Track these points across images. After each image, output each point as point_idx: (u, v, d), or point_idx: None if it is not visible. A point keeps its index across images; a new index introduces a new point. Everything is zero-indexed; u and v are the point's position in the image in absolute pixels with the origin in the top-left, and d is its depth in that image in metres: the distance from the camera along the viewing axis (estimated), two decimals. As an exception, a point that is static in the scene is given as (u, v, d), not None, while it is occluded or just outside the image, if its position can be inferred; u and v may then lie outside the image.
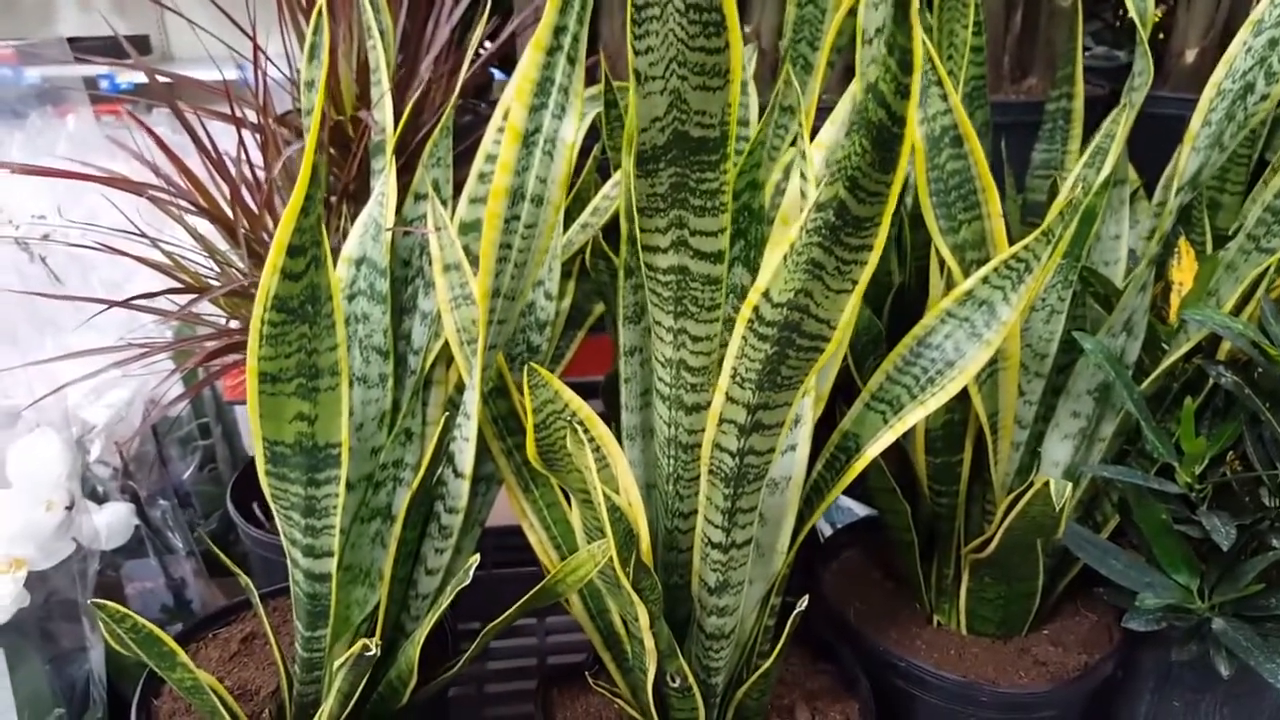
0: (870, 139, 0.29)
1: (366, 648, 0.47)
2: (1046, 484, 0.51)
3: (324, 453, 0.49)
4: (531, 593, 0.52)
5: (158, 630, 0.51)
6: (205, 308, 0.73)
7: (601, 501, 0.44)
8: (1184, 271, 0.63)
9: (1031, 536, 0.56)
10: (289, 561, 0.54)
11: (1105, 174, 0.55)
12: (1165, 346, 0.61)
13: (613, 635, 0.59)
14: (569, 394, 0.46)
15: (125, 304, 0.68)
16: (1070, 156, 0.73)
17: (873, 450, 0.51)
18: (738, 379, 0.40)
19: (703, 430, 0.46)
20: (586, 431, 0.46)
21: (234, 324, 0.74)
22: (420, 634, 0.54)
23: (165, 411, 0.99)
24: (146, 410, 0.96)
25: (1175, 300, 0.63)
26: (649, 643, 0.49)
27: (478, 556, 0.52)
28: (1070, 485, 0.51)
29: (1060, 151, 0.74)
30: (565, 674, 0.62)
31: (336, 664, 0.51)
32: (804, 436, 0.49)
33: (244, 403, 1.00)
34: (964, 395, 0.57)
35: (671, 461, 0.50)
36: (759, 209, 0.45)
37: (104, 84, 1.36)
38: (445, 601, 0.53)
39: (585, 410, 0.47)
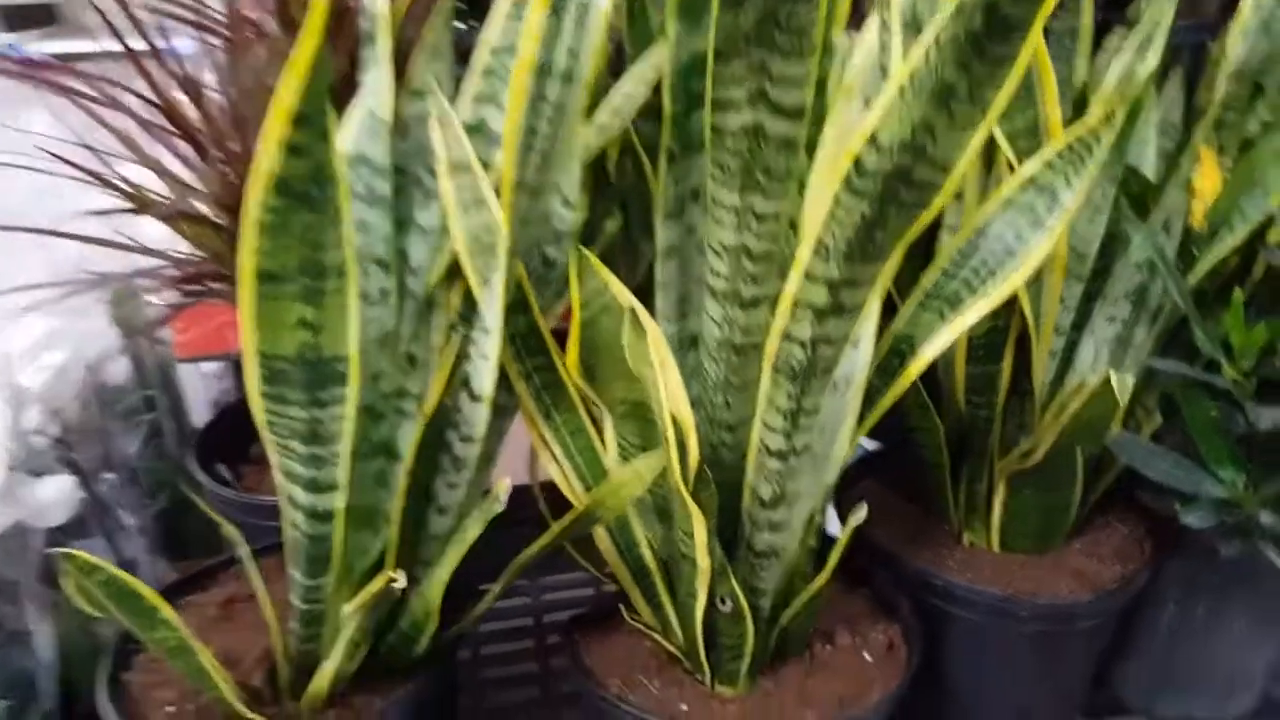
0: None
1: (392, 580, 0.42)
2: (1107, 379, 0.48)
3: (329, 367, 0.43)
4: (567, 518, 0.47)
5: (135, 582, 0.45)
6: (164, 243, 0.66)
7: (665, 399, 0.39)
8: (1206, 179, 0.61)
9: (1082, 439, 0.54)
10: (284, 502, 0.48)
11: (1154, 62, 0.53)
12: (1196, 252, 0.59)
13: (642, 571, 0.54)
14: (618, 285, 0.42)
15: (74, 236, 0.61)
16: (1077, 74, 0.71)
17: (930, 351, 0.48)
18: (822, 251, 0.36)
19: (761, 327, 0.42)
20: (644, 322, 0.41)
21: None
22: (442, 573, 0.48)
23: (107, 384, 0.91)
24: (88, 380, 0.88)
25: (1199, 207, 0.61)
26: (704, 562, 0.45)
27: (508, 481, 0.47)
28: (1132, 379, 0.48)
29: (1067, 70, 0.71)
30: (589, 617, 0.58)
31: (349, 608, 0.46)
32: (868, 332, 0.45)
33: (199, 359, 0.92)
34: (1008, 300, 0.55)
35: (722, 367, 0.45)
36: (824, 79, 0.41)
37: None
38: (470, 535, 0.47)
39: (638, 305, 0.42)
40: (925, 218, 0.34)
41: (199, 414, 1.00)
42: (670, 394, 0.43)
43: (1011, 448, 0.59)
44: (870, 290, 0.37)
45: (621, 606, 0.55)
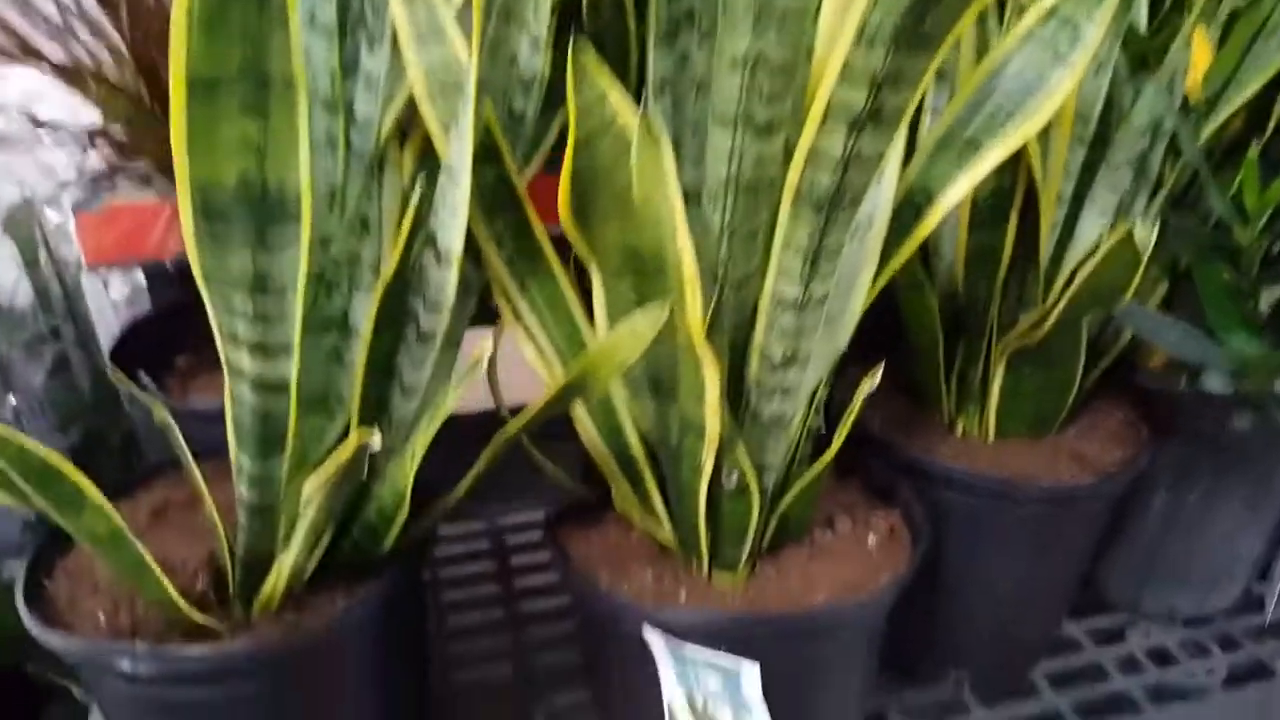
0: None
1: (367, 440, 0.36)
2: (1125, 237, 0.45)
3: (277, 199, 0.37)
4: (558, 386, 0.42)
5: (57, 458, 0.38)
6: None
7: (679, 226, 0.34)
8: (1197, 50, 0.59)
9: (1096, 303, 0.51)
10: (228, 374, 0.42)
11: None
12: (1196, 114, 0.56)
13: (627, 458, 0.50)
14: (620, 94, 0.36)
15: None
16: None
17: (949, 199, 0.44)
18: (866, 36, 0.31)
19: (773, 158, 0.38)
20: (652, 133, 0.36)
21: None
22: (417, 448, 0.43)
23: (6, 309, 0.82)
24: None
25: (1193, 77, 0.58)
26: (713, 425, 0.41)
27: (490, 343, 0.41)
28: (1154, 229, 0.45)
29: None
30: (569, 513, 0.53)
31: (311, 486, 0.40)
32: (892, 166, 0.41)
33: (109, 265, 0.83)
34: (1012, 161, 0.51)
35: (728, 213, 0.40)
36: None
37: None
38: (451, 400, 0.42)
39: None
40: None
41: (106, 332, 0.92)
42: (677, 226, 0.38)
43: (1010, 326, 0.56)
44: (915, 91, 0.33)
45: (614, 491, 0.50)
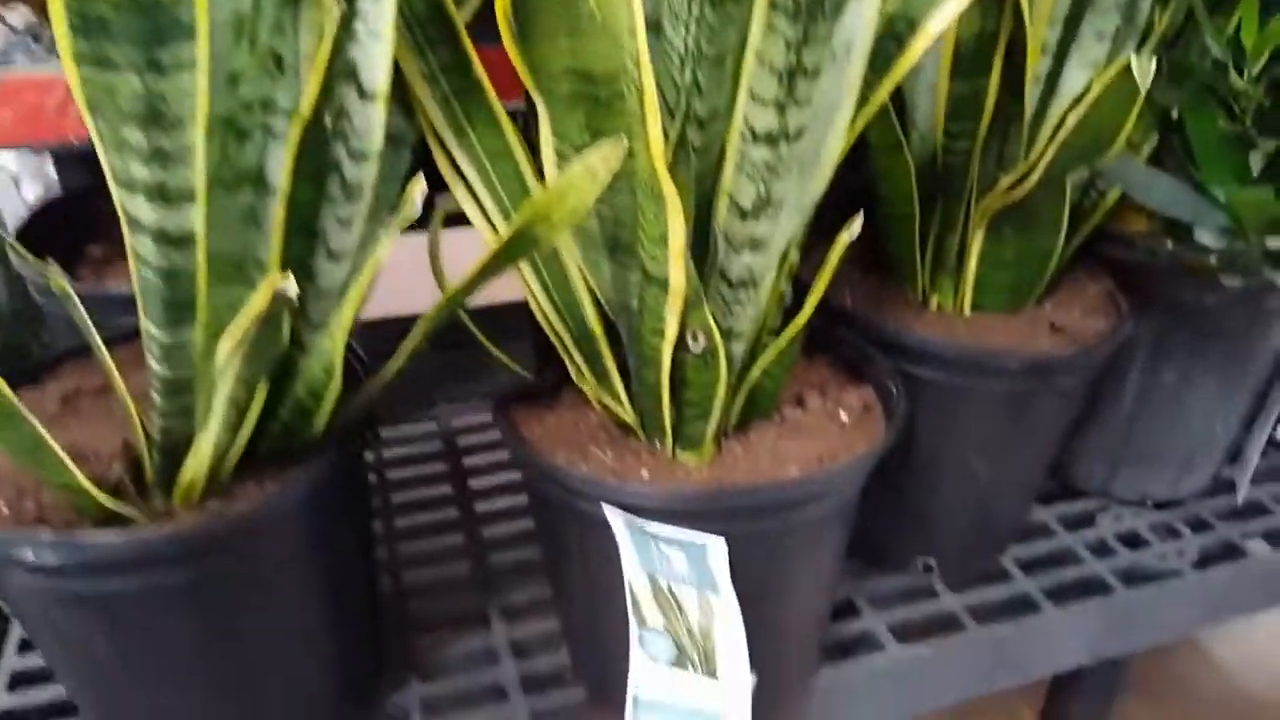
0: None
1: (281, 287, 0.31)
2: (1127, 64, 0.41)
3: (169, 13, 0.31)
4: (506, 236, 0.37)
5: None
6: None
7: (641, 43, 0.29)
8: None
9: (1088, 153, 0.47)
10: (127, 227, 0.37)
11: None
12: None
13: (585, 334, 0.46)
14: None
15: None
16: None
17: (935, 24, 0.39)
18: None
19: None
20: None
21: None
22: (347, 314, 0.38)
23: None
24: None
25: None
26: (677, 279, 0.37)
27: (420, 179, 0.36)
28: (1153, 60, 0.41)
29: None
30: (520, 394, 0.49)
31: (225, 346, 0.35)
32: (872, -17, 0.36)
33: (13, 146, 0.76)
34: (998, 1, 0.47)
35: (688, 36, 0.36)
36: None
37: None
38: (383, 250, 0.37)
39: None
40: None
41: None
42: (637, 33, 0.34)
43: (991, 187, 0.52)
44: None
45: (571, 368, 0.46)
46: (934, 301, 0.58)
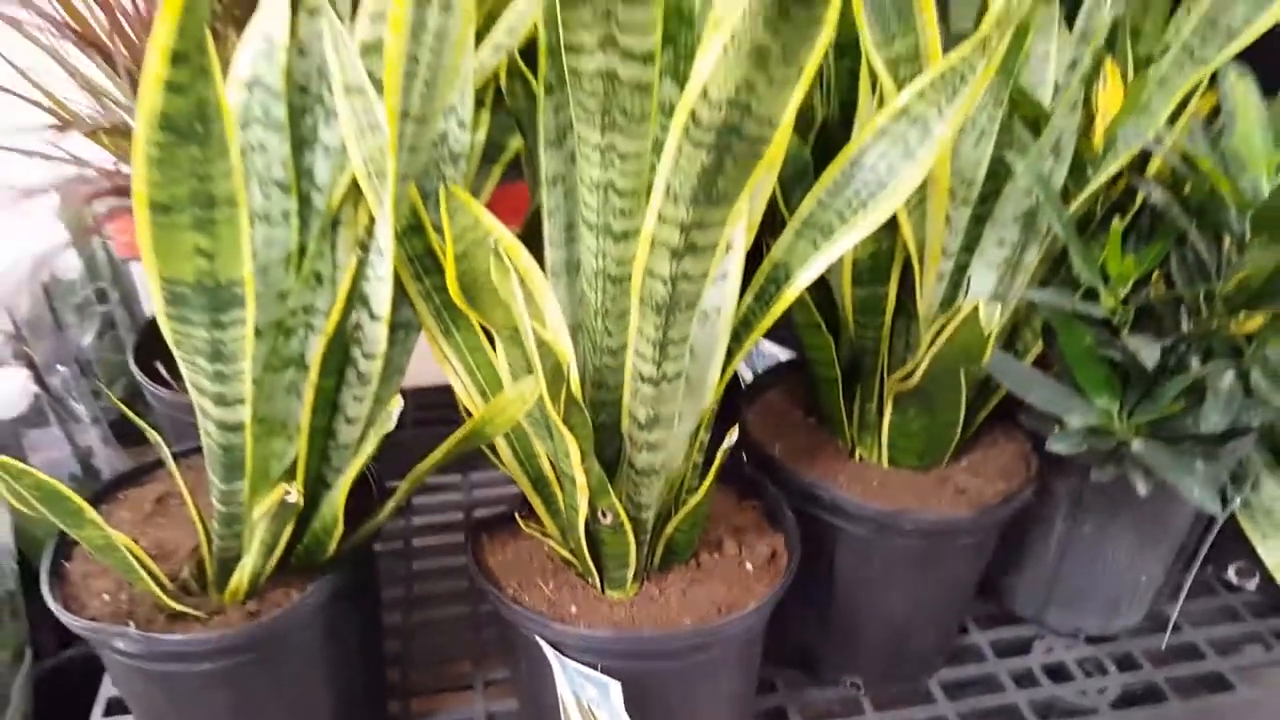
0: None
1: (287, 493, 0.45)
2: (976, 308, 0.51)
3: (226, 291, 0.45)
4: (458, 434, 0.50)
5: (62, 487, 0.48)
6: (89, 153, 0.67)
7: (529, 333, 0.42)
8: (1109, 96, 0.62)
9: (958, 363, 0.56)
10: (199, 413, 0.51)
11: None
12: (1090, 173, 0.60)
13: (541, 479, 0.58)
14: (490, 219, 0.44)
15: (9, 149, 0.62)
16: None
17: (803, 279, 0.50)
18: (671, 195, 0.38)
19: (632, 259, 0.44)
20: (511, 260, 0.44)
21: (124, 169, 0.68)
22: (344, 481, 0.52)
23: (60, 279, 0.92)
24: (37, 273, 0.90)
25: (1100, 125, 0.62)
26: (580, 479, 0.48)
27: (399, 399, 0.50)
28: (1000, 308, 0.51)
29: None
30: (494, 522, 0.62)
31: (257, 513, 0.49)
32: (735, 265, 0.47)
33: (140, 259, 0.94)
34: (891, 225, 0.56)
35: (600, 295, 0.48)
36: (689, 11, 0.42)
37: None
38: (369, 448, 0.51)
39: (508, 238, 0.44)
40: (760, 169, 0.36)
41: (150, 305, 1.03)
42: (549, 321, 0.46)
43: (900, 368, 0.62)
44: (722, 231, 0.39)
45: (517, 515, 0.59)
46: (858, 454, 0.67)
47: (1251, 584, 0.78)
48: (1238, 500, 0.62)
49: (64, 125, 0.62)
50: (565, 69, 0.39)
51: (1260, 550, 0.64)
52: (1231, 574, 0.78)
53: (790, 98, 0.33)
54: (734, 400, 0.73)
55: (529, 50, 0.56)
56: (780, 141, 0.35)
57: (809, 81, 0.32)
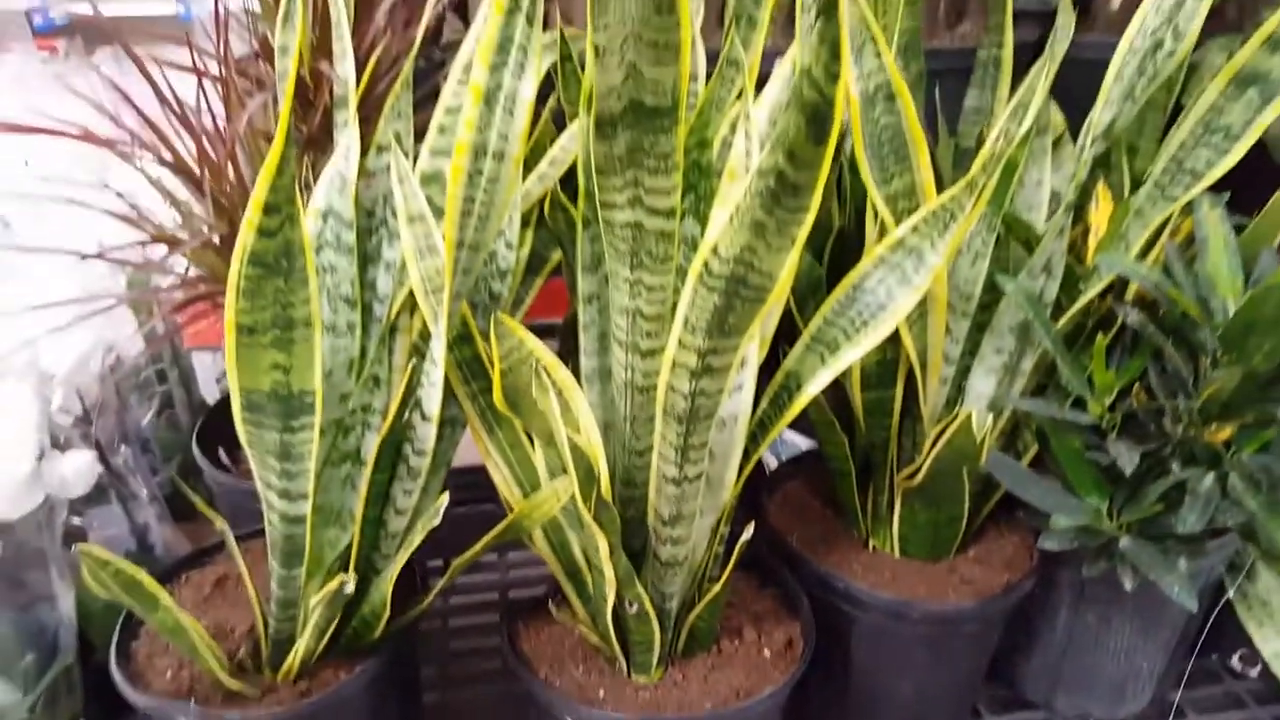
0: (805, 116, 0.32)
1: (344, 583, 0.50)
2: (969, 416, 0.56)
3: (298, 400, 0.51)
4: (497, 529, 0.55)
5: (140, 574, 0.54)
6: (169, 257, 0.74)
7: (564, 441, 0.47)
8: (1101, 215, 0.67)
9: (957, 465, 0.61)
10: (265, 505, 0.57)
11: (1026, 128, 0.59)
12: (1081, 287, 0.66)
13: (574, 567, 0.63)
14: (533, 341, 0.49)
15: (100, 256, 0.69)
16: (999, 103, 0.77)
17: (812, 388, 0.55)
18: (689, 326, 0.43)
19: (658, 373, 0.50)
20: (549, 376, 0.49)
21: (194, 272, 0.75)
22: (392, 572, 0.57)
23: (123, 360, 0.99)
24: (105, 358, 0.96)
25: (1092, 242, 0.67)
26: (609, 572, 0.53)
27: (446, 496, 0.55)
28: (990, 416, 0.55)
29: (990, 98, 0.77)
30: (528, 606, 0.66)
31: (313, 601, 0.54)
32: (749, 378, 0.53)
33: (202, 349, 1.01)
34: (896, 335, 0.62)
35: (628, 403, 0.53)
36: (707, 164, 0.48)
37: (37, 19, 1.28)
38: (416, 540, 0.56)
39: (548, 356, 0.50)
40: (765, 309, 0.42)
41: (207, 388, 1.09)
42: (583, 427, 0.51)
43: (908, 464, 0.66)
44: (735, 355, 0.45)
45: (550, 602, 0.63)
46: (872, 544, 0.71)
47: (1254, 671, 0.80)
48: (1231, 591, 0.65)
49: (165, 243, 0.69)
50: (599, 213, 0.45)
51: (1256, 639, 0.67)
52: (1235, 661, 0.81)
53: (786, 260, 0.39)
54: (756, 487, 0.78)
55: (568, 177, 0.63)
56: (780, 291, 0.40)
57: (800, 249, 0.38)
